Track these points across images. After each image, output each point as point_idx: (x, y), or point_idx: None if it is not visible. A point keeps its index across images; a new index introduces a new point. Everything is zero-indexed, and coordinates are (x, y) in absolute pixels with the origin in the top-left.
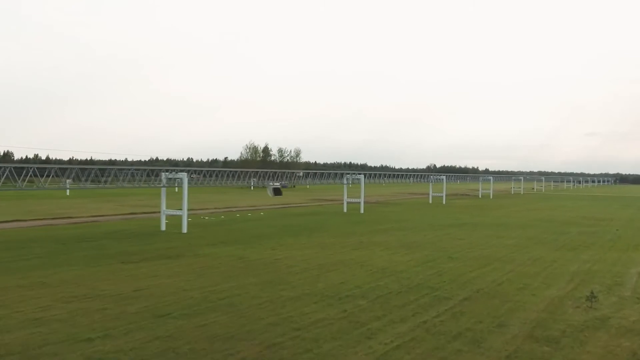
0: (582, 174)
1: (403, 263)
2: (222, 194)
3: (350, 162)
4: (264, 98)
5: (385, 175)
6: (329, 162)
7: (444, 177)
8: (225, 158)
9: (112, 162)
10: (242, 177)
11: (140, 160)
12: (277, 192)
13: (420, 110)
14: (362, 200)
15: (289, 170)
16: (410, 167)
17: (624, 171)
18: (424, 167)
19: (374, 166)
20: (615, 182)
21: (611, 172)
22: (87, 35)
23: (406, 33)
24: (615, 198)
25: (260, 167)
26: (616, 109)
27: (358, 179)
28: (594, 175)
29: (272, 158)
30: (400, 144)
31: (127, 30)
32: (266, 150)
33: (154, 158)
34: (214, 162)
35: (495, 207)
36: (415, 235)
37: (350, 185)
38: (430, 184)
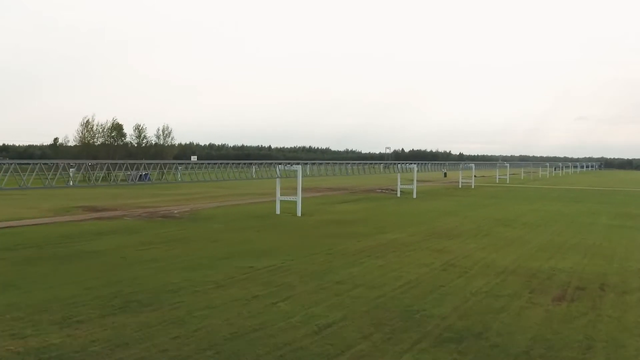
0: (566, 159)
1: None
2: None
3: (310, 147)
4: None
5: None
6: (286, 147)
7: (299, 167)
8: (56, 139)
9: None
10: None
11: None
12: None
13: (404, 95)
14: None
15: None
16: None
17: (610, 155)
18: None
19: (338, 150)
20: (600, 167)
21: (598, 156)
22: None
23: (391, 15)
24: (603, 194)
25: (105, 153)
26: (607, 93)
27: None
28: (578, 160)
29: (128, 140)
30: (382, 128)
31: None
32: (119, 128)
33: None
34: (29, 148)
35: (379, 227)
36: None
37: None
38: (278, 178)
